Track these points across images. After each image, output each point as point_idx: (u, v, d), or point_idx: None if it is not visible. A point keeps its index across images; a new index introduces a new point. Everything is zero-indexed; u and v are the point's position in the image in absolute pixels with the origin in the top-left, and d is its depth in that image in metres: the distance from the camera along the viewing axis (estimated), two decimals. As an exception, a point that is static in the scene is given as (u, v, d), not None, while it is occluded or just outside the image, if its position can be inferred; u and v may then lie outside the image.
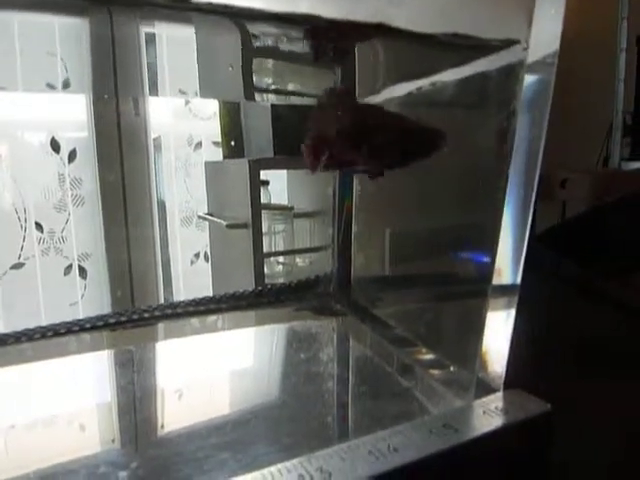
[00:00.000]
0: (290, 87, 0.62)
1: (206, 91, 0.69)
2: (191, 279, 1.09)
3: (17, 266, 0.93)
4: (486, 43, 0.30)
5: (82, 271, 0.99)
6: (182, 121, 1.07)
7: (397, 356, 0.42)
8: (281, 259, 0.87)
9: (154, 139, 1.00)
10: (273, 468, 0.21)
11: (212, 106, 1.06)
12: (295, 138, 0.80)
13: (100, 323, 0.57)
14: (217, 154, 1.04)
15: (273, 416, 0.33)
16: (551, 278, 0.59)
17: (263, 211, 0.78)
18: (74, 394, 0.41)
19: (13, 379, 0.44)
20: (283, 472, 0.21)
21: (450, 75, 0.36)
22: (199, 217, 0.92)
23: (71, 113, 0.97)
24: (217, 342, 0.52)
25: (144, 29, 0.91)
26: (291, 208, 0.85)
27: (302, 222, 0.90)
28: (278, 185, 0.96)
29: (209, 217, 0.87)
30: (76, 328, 0.55)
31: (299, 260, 0.87)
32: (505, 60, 0.29)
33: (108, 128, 0.95)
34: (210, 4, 0.24)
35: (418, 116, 0.37)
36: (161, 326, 0.54)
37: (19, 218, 0.92)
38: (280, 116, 0.77)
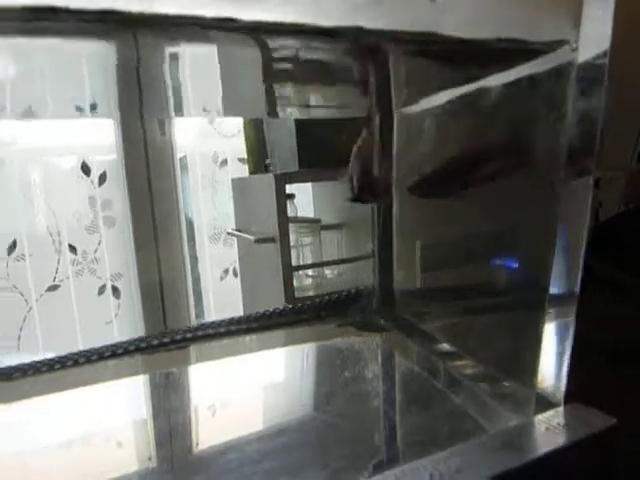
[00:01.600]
0: (314, 101, 0.62)
1: (229, 109, 0.69)
2: (221, 295, 1.09)
3: (52, 288, 0.95)
4: (533, 46, 0.29)
5: (115, 290, 1.01)
6: (207, 140, 1.09)
7: (446, 371, 0.40)
8: (310, 272, 0.86)
9: (180, 158, 1.02)
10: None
11: (236, 123, 1.08)
12: (319, 151, 0.80)
13: (132, 347, 0.57)
14: (243, 171, 1.05)
15: (321, 438, 0.32)
16: (607, 284, 0.57)
17: (290, 224, 0.77)
18: (111, 418, 0.41)
19: (51, 407, 0.44)
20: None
21: (496, 80, 0.35)
22: (228, 233, 0.93)
23: (100, 137, 0.99)
24: (255, 362, 0.51)
25: (168, 49, 0.93)
26: (318, 220, 0.85)
27: (329, 234, 0.90)
28: (303, 198, 0.96)
29: (237, 233, 0.88)
30: (109, 353, 0.55)
31: (328, 272, 0.87)
32: (553, 62, 0.29)
33: (136, 150, 0.97)
34: (237, 21, 0.24)
35: (461, 125, 0.37)
36: (195, 348, 0.54)
37: (53, 241, 0.95)
38: (304, 130, 0.78)
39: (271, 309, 0.55)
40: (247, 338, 0.53)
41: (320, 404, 0.38)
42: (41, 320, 0.96)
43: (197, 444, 0.35)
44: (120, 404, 0.45)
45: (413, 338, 0.46)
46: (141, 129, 0.97)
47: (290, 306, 0.55)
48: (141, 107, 0.98)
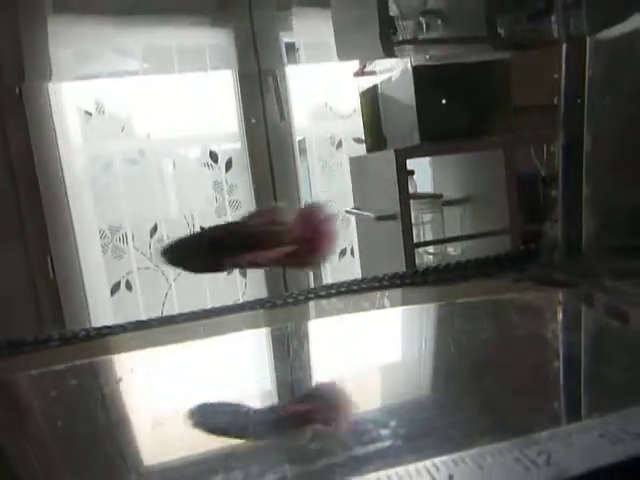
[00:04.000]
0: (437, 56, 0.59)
1: (344, 53, 0.68)
2: (339, 275, 1.11)
3: (188, 268, 1.03)
4: None
5: (242, 271, 1.07)
6: (323, 122, 1.10)
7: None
8: (431, 249, 0.84)
9: (299, 141, 1.04)
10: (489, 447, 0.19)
11: (351, 103, 1.08)
12: (441, 123, 0.77)
13: (257, 306, 0.61)
14: (358, 150, 1.05)
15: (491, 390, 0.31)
16: None
17: (410, 201, 0.76)
18: (237, 366, 0.44)
19: (185, 354, 0.48)
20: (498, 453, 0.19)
21: None
22: (346, 212, 0.93)
23: (225, 127, 1.05)
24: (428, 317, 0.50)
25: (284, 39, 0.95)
26: (440, 196, 0.82)
27: (450, 210, 0.87)
28: (421, 174, 0.94)
29: (356, 211, 0.88)
30: (236, 309, 0.60)
31: (451, 249, 0.84)
32: None
33: (258, 137, 1.01)
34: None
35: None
36: (324, 303, 0.55)
37: (187, 224, 1.03)
38: (425, 101, 0.75)
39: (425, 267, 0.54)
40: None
41: (489, 362, 0.36)
42: (178, 297, 1.05)
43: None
44: (245, 352, 0.48)
45: (602, 294, 0.42)
46: (262, 117, 1.01)
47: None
48: (262, 93, 1.02)
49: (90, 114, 0.98)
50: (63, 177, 0.88)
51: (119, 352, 0.58)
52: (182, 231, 1.02)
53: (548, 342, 0.37)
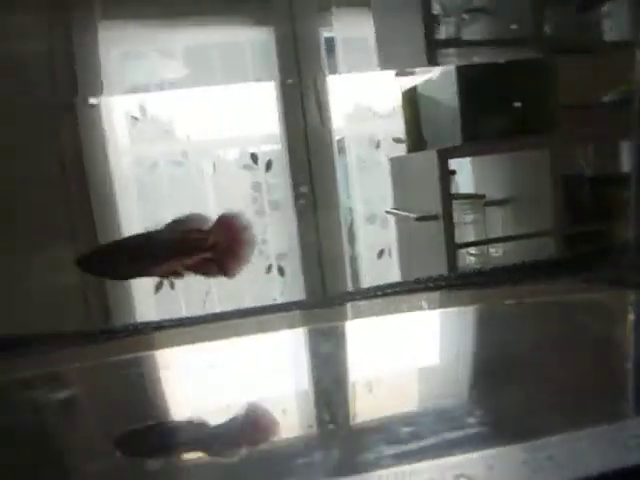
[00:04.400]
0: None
1: (386, 63, 0.68)
2: (377, 275, 1.11)
3: (228, 267, 1.05)
4: None
5: (280, 270, 1.08)
6: (362, 122, 1.10)
7: None
8: (472, 250, 0.83)
9: (337, 141, 1.05)
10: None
11: (391, 103, 1.08)
12: (484, 123, 0.76)
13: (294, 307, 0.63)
14: (398, 151, 1.04)
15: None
16: None
17: (452, 201, 0.75)
18: (276, 362, 0.46)
19: (223, 351, 0.50)
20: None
21: None
22: (386, 212, 0.93)
23: (265, 129, 1.07)
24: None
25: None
26: (482, 196, 0.81)
27: (492, 210, 0.85)
28: (462, 174, 0.93)
29: (396, 212, 0.88)
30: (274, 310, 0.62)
31: (492, 250, 0.83)
32: None
33: (297, 138, 1.02)
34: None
35: None
36: (365, 305, 0.56)
37: (228, 224, 1.04)
38: (469, 101, 0.74)
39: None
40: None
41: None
42: (219, 295, 1.07)
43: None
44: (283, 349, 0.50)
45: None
46: (302, 116, 1.02)
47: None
48: (302, 94, 1.03)
49: (136, 118, 1.01)
50: (111, 178, 0.91)
51: (161, 347, 0.60)
52: (223, 231, 1.04)
53: (621, 342, 0.36)
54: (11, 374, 0.47)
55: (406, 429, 0.27)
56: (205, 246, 0.45)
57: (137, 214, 0.97)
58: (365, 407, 0.36)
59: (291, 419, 0.35)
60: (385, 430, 0.28)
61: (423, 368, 0.41)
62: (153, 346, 0.61)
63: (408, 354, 0.43)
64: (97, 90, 0.91)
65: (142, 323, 0.61)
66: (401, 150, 1.04)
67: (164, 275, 0.47)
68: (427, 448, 0.24)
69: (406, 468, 0.21)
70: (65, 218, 0.89)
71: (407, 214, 0.81)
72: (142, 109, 1.03)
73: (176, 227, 0.46)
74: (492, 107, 0.75)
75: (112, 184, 0.91)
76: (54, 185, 0.86)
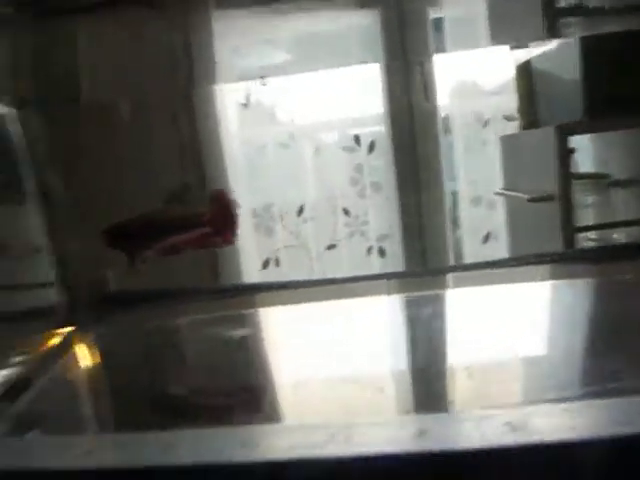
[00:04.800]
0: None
1: (499, 38, 0.65)
2: (482, 259, 1.07)
3: (330, 247, 1.08)
4: None
5: (381, 251, 1.08)
6: (470, 99, 1.06)
7: None
8: (593, 235, 0.77)
9: (443, 118, 1.02)
10: None
11: (500, 78, 1.02)
12: (610, 97, 0.70)
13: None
14: (508, 129, 0.99)
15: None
16: None
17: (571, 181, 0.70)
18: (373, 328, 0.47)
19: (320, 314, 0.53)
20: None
21: None
22: (495, 194, 0.90)
23: (368, 110, 1.06)
24: None
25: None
26: (606, 176, 0.75)
27: (616, 192, 0.79)
28: (582, 152, 0.86)
29: (507, 192, 0.84)
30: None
31: (615, 235, 0.76)
32: None
33: (402, 119, 1.01)
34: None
35: None
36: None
37: (331, 206, 1.07)
38: (592, 51, 0.68)
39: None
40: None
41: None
42: (320, 275, 1.10)
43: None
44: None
45: None
46: (406, 96, 1.00)
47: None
48: (407, 71, 1.01)
49: (245, 104, 1.06)
50: (224, 162, 0.97)
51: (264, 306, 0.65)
52: (325, 212, 1.06)
53: None
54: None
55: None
56: (204, 221, 0.48)
57: (247, 195, 1.03)
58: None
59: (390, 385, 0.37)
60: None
61: (546, 337, 0.40)
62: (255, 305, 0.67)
63: (526, 322, 0.42)
64: (210, 78, 0.96)
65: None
66: (511, 128, 0.99)
67: (166, 252, 0.50)
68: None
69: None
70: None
71: (519, 195, 0.77)
72: (250, 95, 1.07)
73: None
74: (618, 80, 0.69)
75: (224, 165, 0.97)
76: (174, 167, 0.93)
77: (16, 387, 0.40)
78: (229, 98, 1.02)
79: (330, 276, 1.11)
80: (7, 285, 0.51)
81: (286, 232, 1.06)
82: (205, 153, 0.96)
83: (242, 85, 1.06)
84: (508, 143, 0.87)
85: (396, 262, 1.08)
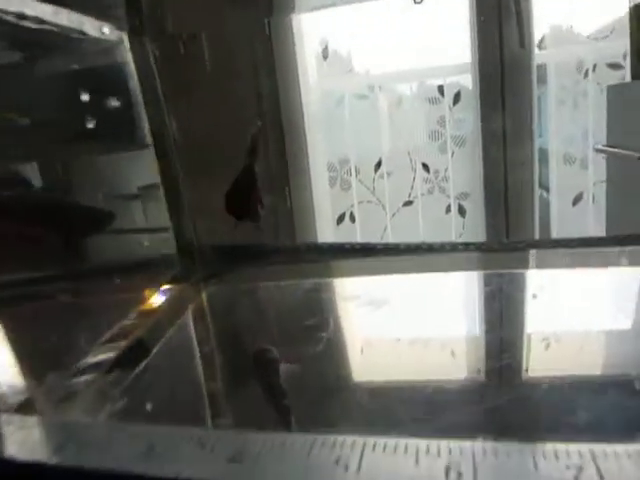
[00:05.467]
0: None
1: None
2: (571, 223, 1.00)
3: (407, 203, 1.04)
4: None
5: (461, 210, 1.04)
6: (568, 46, 0.96)
7: None
8: None
9: (538, 66, 0.93)
10: None
11: (603, 22, 0.92)
12: None
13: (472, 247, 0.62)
14: (612, 79, 0.90)
15: None
16: None
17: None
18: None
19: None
20: None
21: None
22: (597, 150, 0.82)
23: (455, 58, 0.99)
24: None
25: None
26: None
27: None
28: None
29: (611, 149, 0.77)
30: (449, 247, 0.61)
31: None
32: None
33: (491, 67, 0.94)
34: None
35: None
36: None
37: (410, 160, 1.02)
38: None
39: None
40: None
41: None
42: (395, 232, 1.07)
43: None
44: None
45: None
46: (498, 43, 0.93)
47: None
48: (499, 12, 0.93)
49: (324, 56, 1.02)
50: (302, 114, 0.94)
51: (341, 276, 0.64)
52: (404, 167, 1.02)
53: None
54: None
55: None
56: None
57: (323, 148, 1.00)
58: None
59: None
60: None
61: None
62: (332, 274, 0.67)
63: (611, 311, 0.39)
64: (289, 18, 0.93)
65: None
66: (616, 78, 0.89)
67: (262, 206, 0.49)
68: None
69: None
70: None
71: (627, 152, 0.70)
72: (327, 47, 1.02)
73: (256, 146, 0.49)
74: None
75: (302, 119, 0.94)
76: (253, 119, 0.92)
77: (132, 353, 0.37)
78: (307, 48, 0.99)
79: (406, 234, 1.08)
80: (122, 232, 0.51)
81: (362, 187, 1.04)
82: (283, 103, 0.93)
83: (320, 33, 1.02)
84: (616, 93, 0.79)
85: (476, 222, 1.03)
